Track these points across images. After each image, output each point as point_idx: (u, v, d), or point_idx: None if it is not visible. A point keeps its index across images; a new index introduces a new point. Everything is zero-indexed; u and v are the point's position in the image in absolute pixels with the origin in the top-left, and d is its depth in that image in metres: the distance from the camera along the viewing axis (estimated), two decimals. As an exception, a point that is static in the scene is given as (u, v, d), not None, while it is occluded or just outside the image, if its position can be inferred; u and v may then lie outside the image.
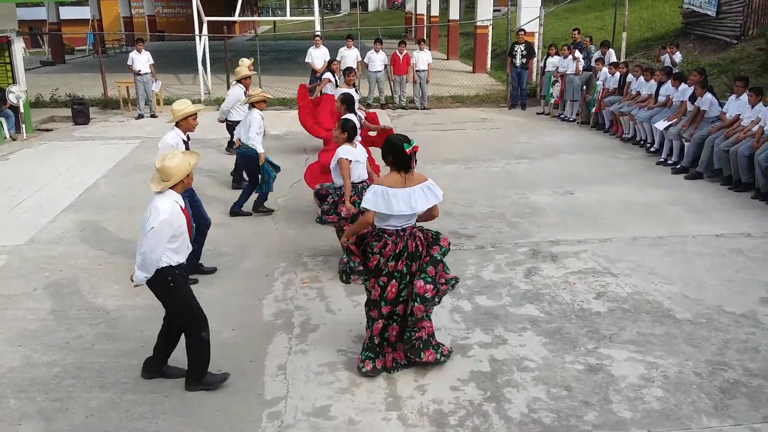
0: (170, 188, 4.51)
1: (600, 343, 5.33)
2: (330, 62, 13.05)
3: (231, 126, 10.25)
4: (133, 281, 4.62)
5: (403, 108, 16.06)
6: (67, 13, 31.49)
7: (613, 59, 14.08)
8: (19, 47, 13.62)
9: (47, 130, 14.00)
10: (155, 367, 4.89)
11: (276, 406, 4.59)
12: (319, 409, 4.55)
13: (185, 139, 6.38)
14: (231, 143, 10.84)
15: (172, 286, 4.56)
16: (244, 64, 10.61)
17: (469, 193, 9.31)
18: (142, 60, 14.74)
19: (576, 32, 15.48)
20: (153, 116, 15.13)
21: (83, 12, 33.44)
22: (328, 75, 12.40)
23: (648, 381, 4.80)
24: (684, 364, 5.01)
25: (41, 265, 6.94)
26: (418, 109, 15.97)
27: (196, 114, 6.36)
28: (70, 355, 5.20)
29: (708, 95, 10.03)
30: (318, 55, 15.34)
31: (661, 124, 10.77)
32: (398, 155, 4.75)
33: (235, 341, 5.41)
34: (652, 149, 11.28)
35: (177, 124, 6.34)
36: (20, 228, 8.01)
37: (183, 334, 4.76)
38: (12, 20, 13.28)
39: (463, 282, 6.46)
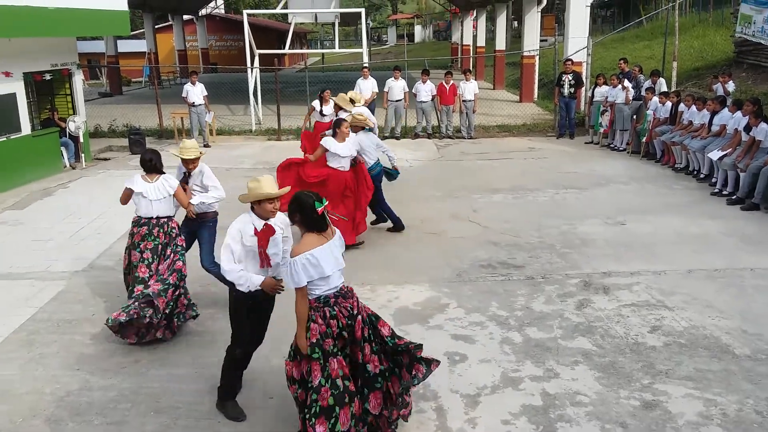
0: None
1: (656, 378, 5.20)
2: (322, 91, 13.18)
3: None
4: None
5: (449, 137, 16.12)
6: (125, 46, 32.66)
7: (664, 88, 13.90)
8: (79, 79, 14.19)
9: (105, 159, 14.49)
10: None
11: (326, 435, 4.59)
12: (369, 439, 4.54)
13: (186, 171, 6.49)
14: None
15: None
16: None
17: (516, 223, 9.26)
18: (196, 92, 15.19)
19: (623, 62, 15.35)
20: (206, 146, 15.51)
21: (140, 45, 34.66)
22: (314, 103, 12.96)
23: (706, 419, 4.66)
24: (744, 401, 4.85)
25: (99, 290, 7.14)
26: (464, 138, 16.01)
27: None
28: (126, 380, 5.32)
29: (763, 125, 9.80)
30: (366, 86, 15.56)
31: (714, 154, 10.56)
32: (307, 215, 4.14)
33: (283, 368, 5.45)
34: (701, 176, 11.09)
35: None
36: (79, 254, 8.27)
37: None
38: (72, 53, 13.86)
39: (512, 313, 6.41)
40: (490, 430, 4.59)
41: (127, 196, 6.27)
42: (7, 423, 4.77)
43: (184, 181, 6.48)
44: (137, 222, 6.16)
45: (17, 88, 11.96)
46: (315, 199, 4.13)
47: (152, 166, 6.26)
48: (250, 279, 4.55)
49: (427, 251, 8.25)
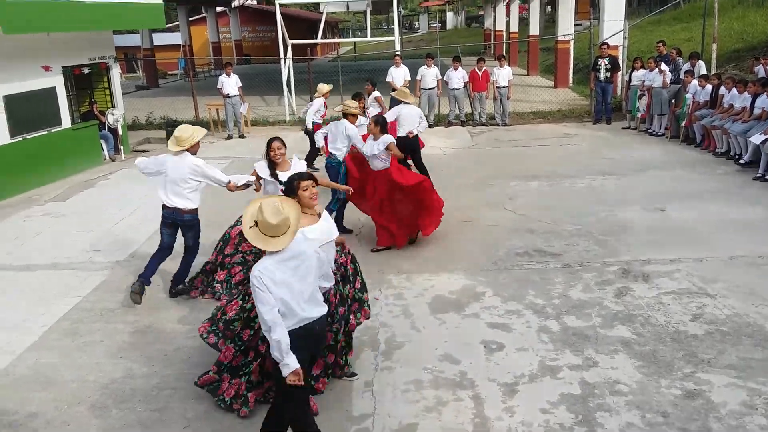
0: None
1: (698, 367, 5.11)
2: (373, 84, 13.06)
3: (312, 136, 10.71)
4: None
5: (483, 125, 16.00)
6: (160, 39, 33.06)
7: (703, 71, 13.58)
8: (116, 72, 14.43)
9: (143, 151, 14.71)
10: None
11: (363, 422, 4.63)
12: (405, 426, 4.57)
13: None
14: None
15: None
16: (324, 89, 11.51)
17: (553, 210, 9.16)
18: (231, 83, 15.32)
19: (661, 45, 15.02)
20: (241, 137, 15.67)
21: (175, 38, 35.07)
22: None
23: (750, 408, 4.57)
24: (789, 391, 4.75)
25: (140, 280, 7.28)
26: (498, 125, 15.87)
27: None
28: (168, 367, 5.43)
29: (809, 107, 9.53)
30: (398, 74, 15.50)
31: (756, 138, 10.29)
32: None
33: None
34: (741, 161, 10.79)
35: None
36: (120, 244, 8.44)
37: None
38: (110, 47, 14.09)
39: (549, 301, 6.36)
40: (529, 418, 4.57)
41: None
42: (52, 410, 4.90)
43: None
44: None
45: (57, 82, 12.22)
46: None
47: None
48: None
49: (462, 239, 8.22)
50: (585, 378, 5.03)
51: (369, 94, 12.58)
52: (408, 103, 10.29)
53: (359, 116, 8.90)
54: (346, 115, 8.50)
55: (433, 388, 5.00)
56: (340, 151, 8.45)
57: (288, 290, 3.82)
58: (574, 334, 5.72)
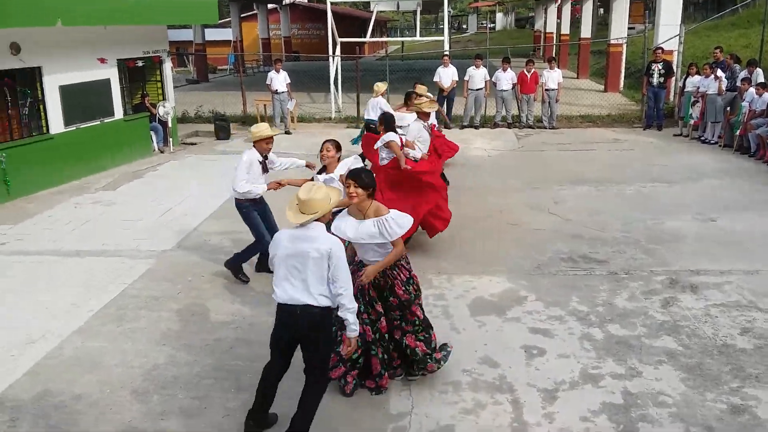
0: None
1: (745, 382, 4.96)
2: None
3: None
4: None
5: (530, 127, 15.82)
6: (211, 34, 33.62)
7: (761, 79, 13.15)
8: (168, 66, 14.70)
9: (192, 144, 14.98)
10: (263, 419, 4.49)
11: (401, 421, 4.62)
12: (443, 427, 4.54)
13: (260, 159, 6.77)
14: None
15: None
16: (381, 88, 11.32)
17: (600, 216, 9.00)
18: (279, 79, 15.48)
19: (718, 51, 14.63)
20: (287, 133, 15.81)
21: (226, 34, 35.60)
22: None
23: (800, 427, 4.42)
24: (842, 411, 4.57)
25: (185, 269, 7.41)
26: (546, 128, 15.68)
27: (271, 138, 6.76)
28: (209, 357, 5.50)
29: None
30: (446, 74, 15.47)
31: (816, 149, 9.94)
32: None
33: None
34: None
35: (255, 144, 6.73)
36: (167, 234, 8.60)
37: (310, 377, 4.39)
38: (163, 41, 14.36)
39: (593, 309, 6.25)
40: (568, 426, 4.50)
41: None
42: (97, 392, 5.02)
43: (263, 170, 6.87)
44: None
45: (111, 74, 12.52)
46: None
47: None
48: None
49: (505, 242, 8.13)
50: (628, 388, 4.92)
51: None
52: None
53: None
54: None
55: (472, 390, 4.96)
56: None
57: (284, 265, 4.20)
58: (618, 342, 5.61)
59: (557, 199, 9.86)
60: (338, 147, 6.45)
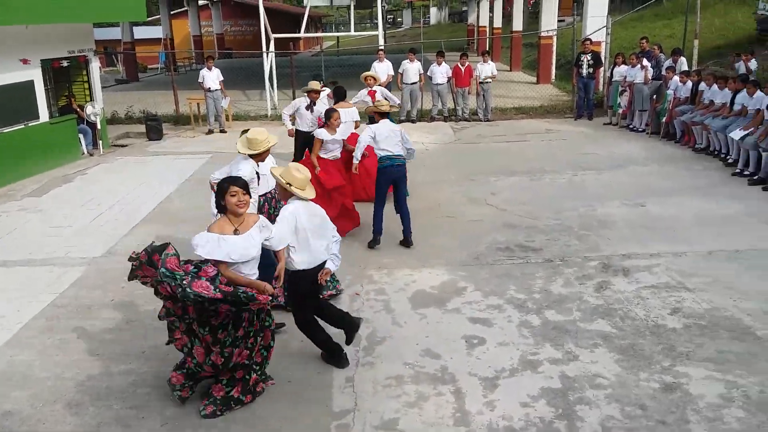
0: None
1: (676, 360, 5.14)
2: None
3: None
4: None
5: (466, 120, 16.00)
6: (141, 32, 32.76)
7: (685, 67, 13.67)
8: (95, 66, 14.22)
9: (122, 146, 14.56)
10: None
11: (344, 418, 4.61)
12: (387, 422, 4.55)
13: (258, 171, 5.99)
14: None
15: None
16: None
17: (534, 205, 9.18)
18: (212, 77, 15.18)
19: (644, 41, 15.12)
20: (222, 131, 15.54)
21: (156, 32, 34.76)
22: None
23: (728, 401, 4.60)
24: (766, 383, 4.79)
25: (118, 276, 7.16)
26: (481, 120, 15.89)
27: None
28: (146, 364, 5.36)
29: (787, 103, 9.62)
30: (381, 69, 15.46)
31: (736, 134, 10.38)
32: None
33: (303, 352, 5.46)
34: (729, 160, 10.83)
35: (254, 156, 5.87)
36: (98, 240, 8.33)
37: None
38: (89, 40, 13.88)
39: (530, 296, 6.38)
40: (509, 412, 4.57)
41: None
42: (28, 407, 4.83)
43: None
44: None
45: (35, 75, 12.02)
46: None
47: None
48: None
49: (443, 234, 8.21)
50: (565, 372, 5.04)
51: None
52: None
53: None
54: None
55: (414, 383, 4.99)
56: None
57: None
58: (555, 328, 5.73)
59: (494, 190, 10.01)
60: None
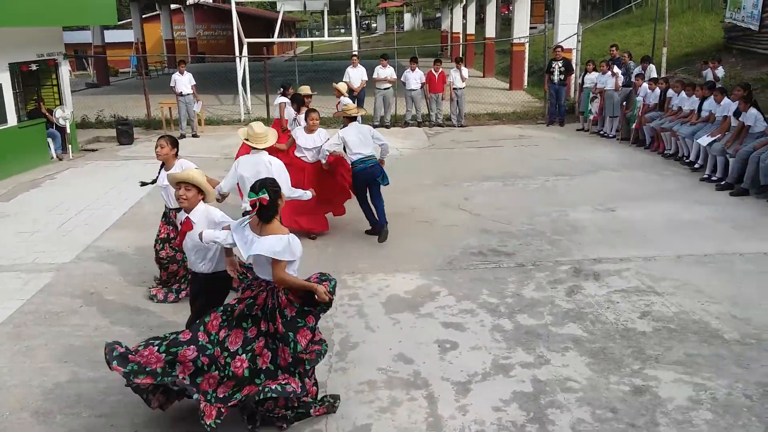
0: None
1: (646, 363, 5.21)
2: (285, 87, 11.93)
3: None
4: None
5: (440, 125, 16.08)
6: (112, 36, 32.34)
7: (654, 74, 13.90)
8: (65, 70, 14.02)
9: (92, 150, 14.36)
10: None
11: (317, 424, 4.58)
12: (359, 427, 4.53)
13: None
14: None
15: None
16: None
17: (507, 210, 9.25)
18: (184, 81, 15.06)
19: (614, 48, 15.36)
20: (195, 136, 15.42)
21: (127, 35, 34.35)
22: (283, 99, 11.42)
23: (696, 403, 4.67)
24: (733, 386, 4.86)
25: (87, 282, 7.09)
26: (455, 126, 15.97)
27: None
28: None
29: (753, 110, 9.82)
30: (355, 75, 15.49)
31: (704, 140, 10.57)
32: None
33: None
34: (696, 165, 11.03)
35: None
36: (67, 245, 8.20)
37: None
38: (59, 43, 13.69)
39: (503, 300, 6.41)
40: (481, 417, 4.59)
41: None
42: (-6, 416, 4.73)
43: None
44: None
45: (3, 78, 11.81)
46: (251, 190, 4.37)
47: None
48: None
49: (417, 239, 8.23)
50: (537, 376, 5.07)
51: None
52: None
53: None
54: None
55: (387, 388, 4.98)
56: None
57: None
58: (527, 332, 5.77)
59: (467, 195, 10.07)
60: (174, 143, 6.30)
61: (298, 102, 9.94)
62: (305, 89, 10.34)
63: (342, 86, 11.58)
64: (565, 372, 5.11)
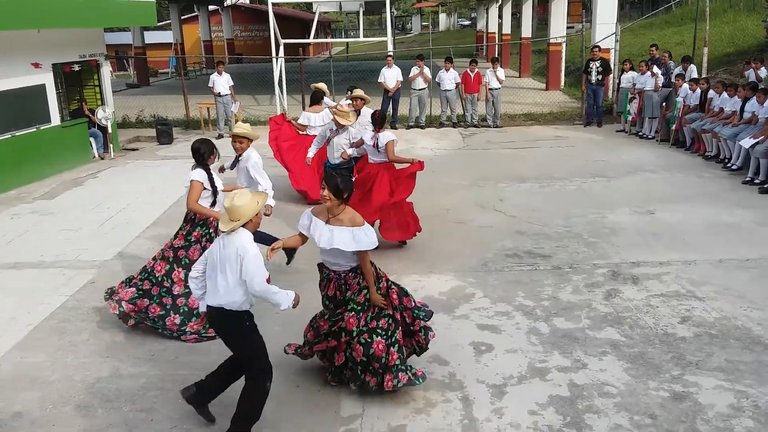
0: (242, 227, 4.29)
1: (686, 369, 5.12)
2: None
3: None
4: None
5: (475, 126, 16.01)
6: (151, 37, 32.90)
7: (695, 75, 13.65)
8: (106, 70, 14.32)
9: (133, 150, 14.64)
10: (200, 399, 4.59)
11: (352, 423, 4.61)
12: (394, 428, 4.55)
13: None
14: None
15: (250, 327, 4.43)
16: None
17: (543, 212, 9.17)
18: (222, 82, 15.25)
19: (654, 48, 15.12)
20: (231, 136, 15.58)
21: (166, 36, 34.92)
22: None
23: (738, 410, 4.58)
24: (776, 393, 4.76)
25: (128, 279, 7.23)
26: (490, 127, 15.89)
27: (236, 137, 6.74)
28: (155, 367, 5.38)
29: (798, 111, 9.59)
30: (390, 75, 15.51)
31: (746, 142, 10.35)
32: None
33: (313, 359, 5.46)
34: (734, 167, 10.81)
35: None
36: (109, 243, 8.37)
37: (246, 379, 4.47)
38: (100, 45, 13.99)
39: (539, 303, 6.36)
40: (517, 420, 4.56)
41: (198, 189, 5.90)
42: (38, 409, 4.85)
43: (232, 166, 6.85)
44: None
45: (46, 79, 12.11)
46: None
47: (199, 156, 5.97)
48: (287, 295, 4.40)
49: (452, 240, 8.21)
50: (574, 380, 5.03)
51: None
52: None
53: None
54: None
55: (422, 389, 4.98)
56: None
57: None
58: (563, 335, 5.72)
59: (502, 197, 10.01)
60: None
61: (317, 99, 10.04)
62: (321, 86, 10.41)
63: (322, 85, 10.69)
64: (602, 376, 5.06)
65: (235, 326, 4.39)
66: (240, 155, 6.73)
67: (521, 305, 6.34)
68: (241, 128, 6.62)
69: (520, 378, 5.08)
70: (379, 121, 7.82)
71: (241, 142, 6.59)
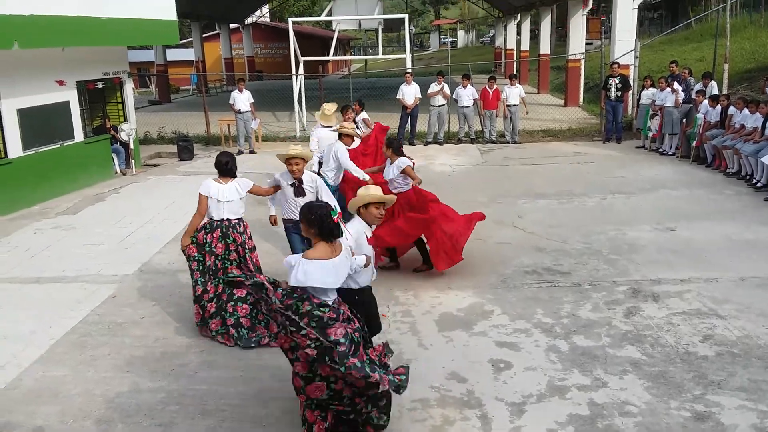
0: None
1: (708, 389, 5.05)
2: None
3: None
4: None
5: (493, 142, 16.02)
6: (173, 55, 33.43)
7: (715, 91, 13.58)
8: (129, 87, 14.55)
9: (154, 166, 14.82)
10: None
11: (370, 440, 4.59)
12: (412, 445, 4.53)
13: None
14: None
15: None
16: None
17: (562, 228, 9.13)
18: (242, 99, 15.43)
19: (673, 65, 15.06)
20: (252, 152, 15.75)
21: (188, 54, 35.45)
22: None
23: (761, 431, 4.50)
24: (801, 414, 4.67)
25: (149, 294, 7.30)
26: (508, 143, 15.89)
27: (293, 158, 6.46)
28: (174, 382, 5.41)
29: (821, 128, 9.49)
30: (409, 92, 15.59)
31: (768, 159, 10.25)
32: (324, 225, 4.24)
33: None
34: (759, 185, 10.69)
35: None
36: (130, 258, 8.47)
37: None
38: (123, 62, 14.23)
39: (558, 321, 6.32)
40: (536, 439, 4.53)
41: (204, 203, 6.10)
42: (58, 423, 4.89)
43: (296, 194, 6.55)
44: (209, 226, 6.11)
45: (71, 96, 12.34)
46: (330, 209, 4.31)
47: (227, 169, 6.24)
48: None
49: (471, 257, 8.16)
50: (593, 398, 4.97)
51: (357, 114, 11.48)
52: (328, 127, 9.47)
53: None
54: (341, 136, 8.22)
55: (440, 406, 4.96)
56: (329, 174, 8.11)
57: None
58: (583, 353, 5.67)
59: (521, 213, 9.98)
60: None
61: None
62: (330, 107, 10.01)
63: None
64: (623, 395, 5.00)
65: None
66: (299, 178, 6.48)
67: (540, 322, 6.30)
68: (296, 150, 6.40)
69: (540, 396, 5.04)
70: (395, 146, 7.55)
71: (297, 163, 6.36)
